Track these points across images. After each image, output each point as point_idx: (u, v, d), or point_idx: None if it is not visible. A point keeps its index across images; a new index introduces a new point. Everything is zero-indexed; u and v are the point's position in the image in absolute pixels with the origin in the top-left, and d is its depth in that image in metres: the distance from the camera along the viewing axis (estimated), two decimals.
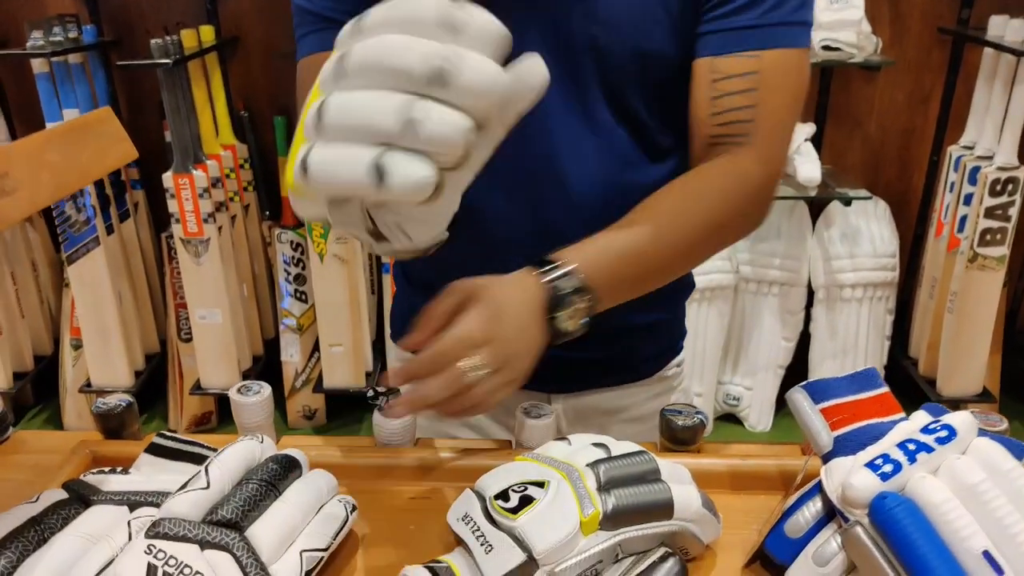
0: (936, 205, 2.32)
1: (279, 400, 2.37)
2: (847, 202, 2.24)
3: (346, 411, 2.43)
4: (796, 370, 2.40)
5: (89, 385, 2.22)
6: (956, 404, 2.33)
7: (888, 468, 0.57)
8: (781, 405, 2.44)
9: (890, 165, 2.42)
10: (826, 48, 2.05)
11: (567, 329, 0.68)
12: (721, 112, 0.73)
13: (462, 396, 0.61)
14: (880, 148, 2.39)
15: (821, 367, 2.36)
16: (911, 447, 0.58)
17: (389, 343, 2.37)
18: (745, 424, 2.44)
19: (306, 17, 0.79)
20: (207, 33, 2.16)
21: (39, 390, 2.46)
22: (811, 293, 2.34)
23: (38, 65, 2.07)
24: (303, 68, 0.81)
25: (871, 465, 0.58)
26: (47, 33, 2.05)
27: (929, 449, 0.58)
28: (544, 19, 0.73)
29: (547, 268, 0.67)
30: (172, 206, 2.09)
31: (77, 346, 2.26)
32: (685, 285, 0.96)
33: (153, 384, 2.35)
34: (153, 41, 1.96)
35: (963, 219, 2.15)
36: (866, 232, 2.33)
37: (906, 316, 2.48)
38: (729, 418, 2.47)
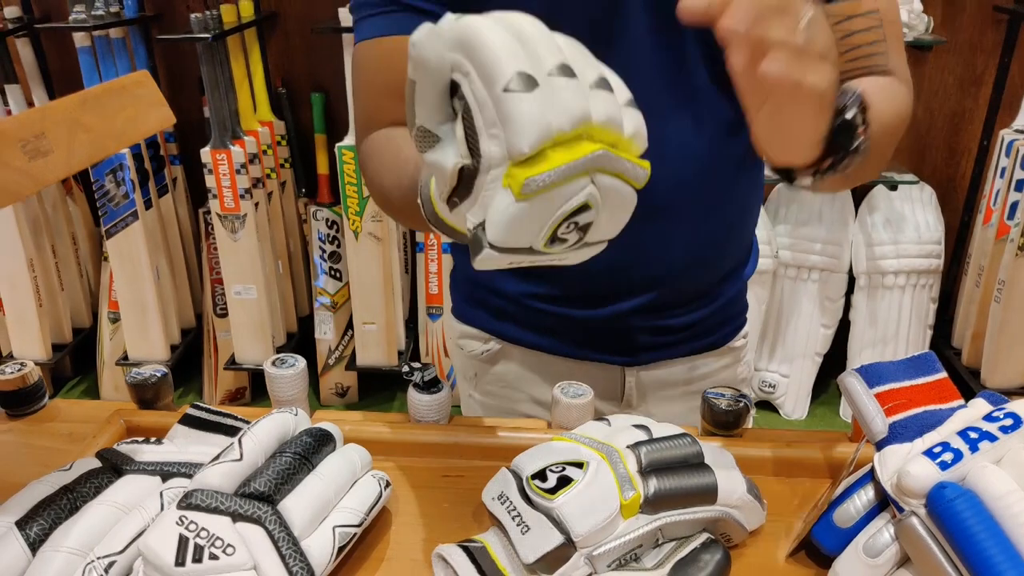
0: (985, 191, 2.24)
1: (312, 377, 2.38)
2: (892, 187, 2.17)
3: (378, 389, 2.43)
4: (834, 358, 2.35)
5: (126, 358, 2.25)
6: None
7: (948, 457, 0.54)
8: (818, 393, 2.39)
9: (937, 149, 2.34)
10: None
11: (848, 126, 0.57)
12: (852, 49, 0.72)
13: (795, 54, 0.49)
14: (927, 131, 2.32)
15: (860, 356, 2.31)
16: (973, 435, 0.55)
17: (422, 322, 2.37)
18: (780, 412, 2.40)
19: (365, 1, 0.75)
20: (246, 8, 2.16)
21: (77, 362, 2.50)
22: (852, 280, 2.29)
23: (80, 39, 2.09)
24: (364, 52, 0.76)
25: (929, 453, 0.55)
26: (89, 7, 2.06)
27: (992, 438, 0.55)
28: None
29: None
30: (209, 181, 2.10)
31: (115, 319, 2.29)
32: (747, 256, 0.94)
33: (188, 359, 2.38)
34: (193, 16, 1.96)
35: (1014, 206, 2.08)
36: (911, 218, 2.26)
37: (950, 305, 2.41)
38: (764, 405, 2.43)
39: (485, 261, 0.45)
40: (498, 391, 0.96)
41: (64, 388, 2.46)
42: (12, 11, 2.24)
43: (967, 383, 2.19)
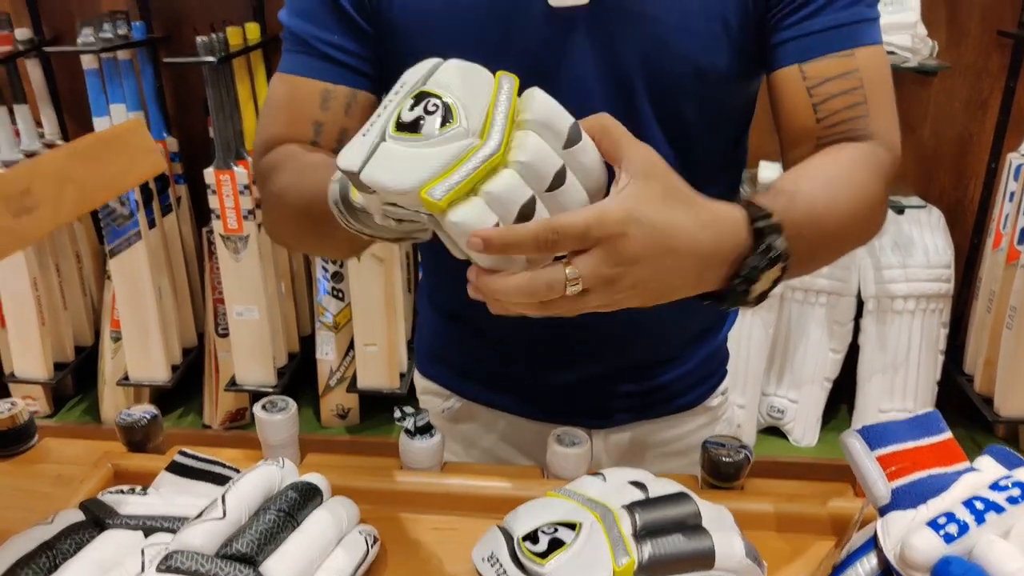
0: (994, 215, 2.22)
1: (313, 398, 2.37)
2: (899, 210, 2.15)
3: (379, 411, 2.41)
4: (844, 383, 2.32)
5: (127, 378, 2.24)
6: (1015, 425, 2.24)
7: (953, 529, 0.52)
8: (828, 419, 2.36)
9: (945, 173, 2.32)
10: None
11: (756, 291, 0.56)
12: (830, 115, 0.69)
13: (546, 305, 0.50)
14: (934, 155, 2.30)
15: (870, 381, 2.28)
16: (979, 505, 0.53)
17: None
18: (790, 438, 2.37)
19: (289, 35, 0.78)
20: (253, 31, 2.15)
21: (79, 380, 2.49)
22: (860, 304, 2.26)
23: (87, 61, 2.09)
24: (278, 82, 0.79)
25: (934, 524, 0.53)
26: (97, 30, 2.07)
27: (999, 509, 0.53)
28: (595, 40, 0.70)
29: (758, 212, 0.55)
30: (213, 202, 2.09)
31: (117, 338, 2.28)
32: (723, 316, 0.92)
33: (189, 379, 2.37)
34: (199, 39, 1.96)
35: None
36: (919, 241, 2.24)
37: (961, 330, 2.38)
38: (773, 431, 2.40)
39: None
40: (462, 451, 0.94)
41: (65, 407, 2.45)
42: (23, 32, 2.25)
43: (980, 411, 2.16)
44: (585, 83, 0.71)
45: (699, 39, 0.69)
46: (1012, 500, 0.53)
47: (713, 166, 0.80)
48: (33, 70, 2.28)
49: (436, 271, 0.92)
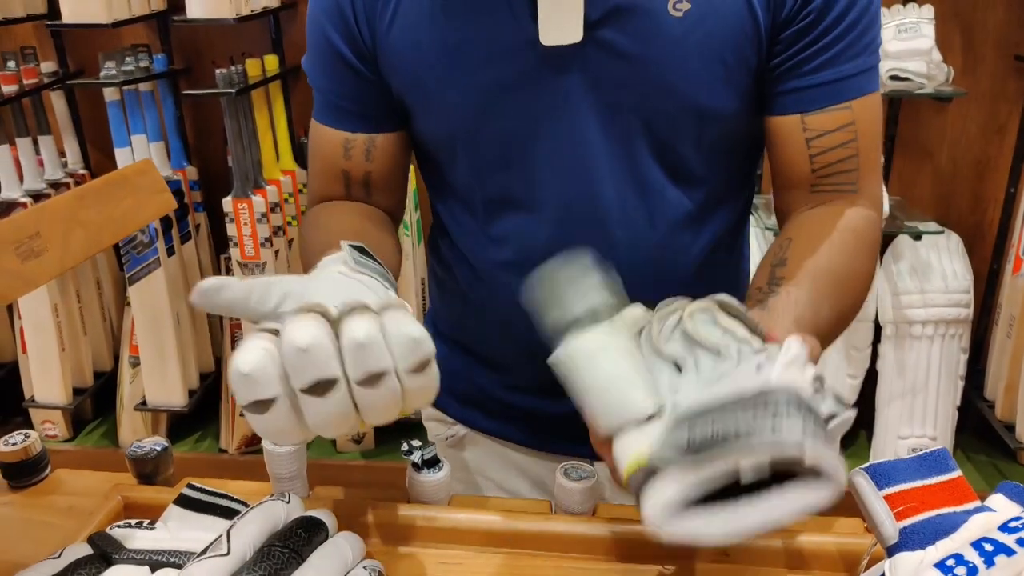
0: (1014, 239, 2.19)
1: None
2: (916, 236, 2.14)
3: (394, 436, 2.41)
4: (862, 409, 2.28)
5: (144, 403, 2.26)
6: None
7: (961, 571, 0.51)
8: (846, 446, 2.31)
9: (963, 197, 2.30)
10: (894, 78, 1.97)
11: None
12: (825, 166, 0.72)
13: None
14: (952, 180, 2.28)
15: (889, 407, 2.25)
16: (988, 547, 0.52)
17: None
18: None
19: (311, 83, 0.83)
20: (271, 62, 2.19)
21: (98, 404, 2.52)
22: (878, 329, 2.24)
23: (110, 93, 2.13)
24: (311, 128, 0.85)
25: (942, 566, 0.52)
26: (120, 63, 2.11)
27: (1009, 551, 0.52)
28: (590, 80, 0.70)
29: None
30: (231, 230, 2.12)
31: (135, 364, 2.31)
32: None
33: (206, 404, 2.38)
34: (218, 71, 1.99)
35: None
36: (937, 267, 2.22)
37: (981, 356, 2.35)
38: None
39: None
40: (464, 478, 0.94)
41: (84, 431, 2.47)
42: (48, 66, 2.30)
43: (1002, 438, 2.12)
44: (581, 122, 0.71)
45: (698, 79, 0.69)
46: (1021, 542, 0.52)
47: (720, 199, 0.80)
48: (57, 102, 2.34)
49: (440, 298, 0.92)
